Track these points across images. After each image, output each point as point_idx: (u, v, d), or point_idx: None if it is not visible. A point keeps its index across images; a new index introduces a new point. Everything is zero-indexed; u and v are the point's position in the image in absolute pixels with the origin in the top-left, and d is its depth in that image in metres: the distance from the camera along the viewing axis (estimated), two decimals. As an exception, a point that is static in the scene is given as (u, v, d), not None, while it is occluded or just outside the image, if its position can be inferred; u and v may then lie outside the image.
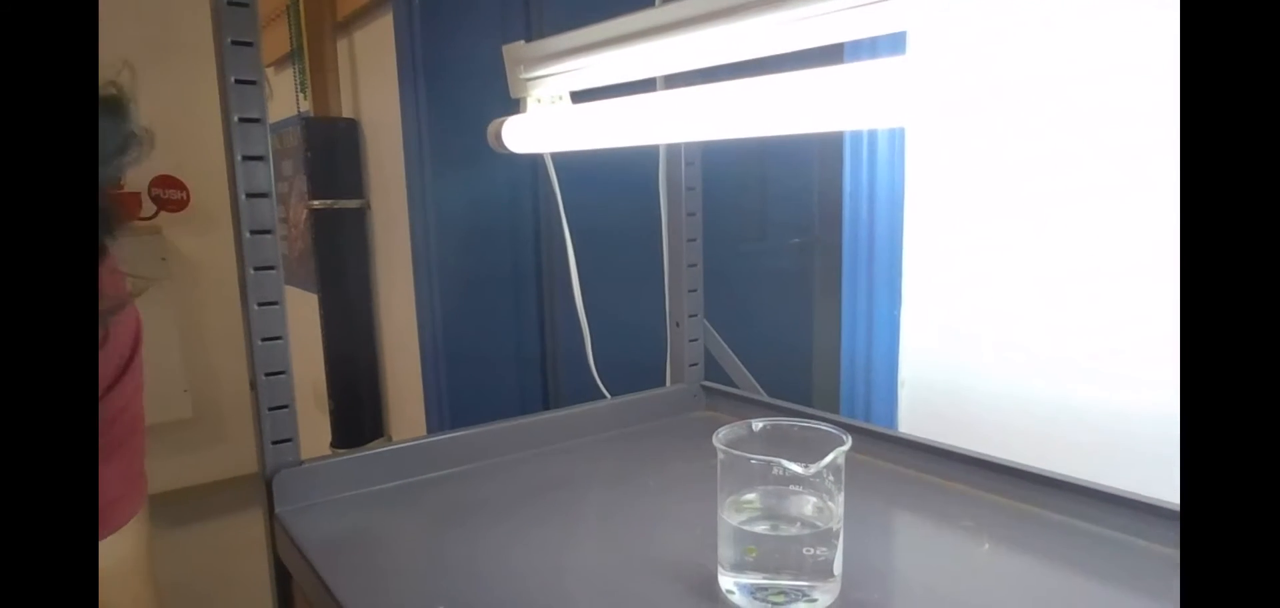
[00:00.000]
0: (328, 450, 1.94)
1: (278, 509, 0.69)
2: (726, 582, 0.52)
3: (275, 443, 0.70)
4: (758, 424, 0.55)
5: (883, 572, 0.58)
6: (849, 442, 0.51)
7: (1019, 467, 0.67)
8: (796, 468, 0.49)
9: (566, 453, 0.84)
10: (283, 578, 0.70)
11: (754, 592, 0.51)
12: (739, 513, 0.53)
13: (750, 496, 0.53)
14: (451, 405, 1.84)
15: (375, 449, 0.76)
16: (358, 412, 2.12)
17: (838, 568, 0.51)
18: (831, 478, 0.51)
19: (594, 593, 0.53)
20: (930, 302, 0.91)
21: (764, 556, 0.51)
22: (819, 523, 0.51)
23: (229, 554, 2.45)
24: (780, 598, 0.50)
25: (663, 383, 1.00)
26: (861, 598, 0.52)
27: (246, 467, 1.99)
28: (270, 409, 0.69)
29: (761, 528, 0.52)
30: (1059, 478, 0.64)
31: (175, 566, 2.54)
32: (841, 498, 0.51)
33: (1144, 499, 0.59)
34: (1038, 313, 0.81)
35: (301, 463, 0.71)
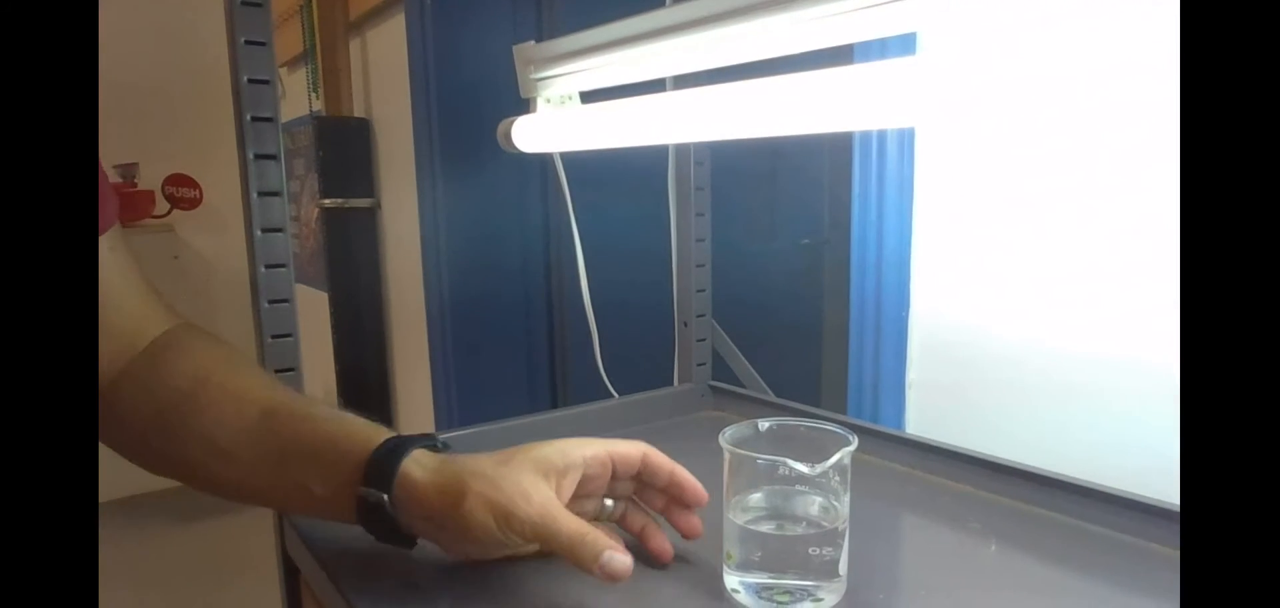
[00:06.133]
0: (337, 448, 1.95)
1: (287, 505, 0.70)
2: (732, 581, 0.53)
3: (285, 439, 0.70)
4: (764, 424, 0.55)
5: (888, 572, 0.58)
6: (855, 442, 0.51)
7: (1026, 468, 0.67)
8: (802, 468, 0.49)
9: (574, 452, 0.84)
10: (291, 575, 0.70)
11: (759, 591, 0.51)
12: (745, 513, 0.53)
13: (756, 495, 0.53)
14: (460, 404, 1.84)
15: (384, 446, 0.76)
16: (367, 410, 2.12)
17: (843, 568, 0.52)
18: (837, 478, 0.51)
19: (599, 591, 0.54)
20: (938, 303, 0.91)
21: (769, 555, 0.51)
22: (825, 523, 0.51)
23: (238, 551, 2.47)
24: (785, 598, 0.50)
25: (670, 382, 1.00)
26: (867, 598, 0.52)
27: (257, 463, 1.99)
28: (280, 405, 0.69)
29: (767, 528, 0.52)
30: (1066, 480, 0.64)
31: (186, 561, 2.56)
32: (847, 498, 0.51)
33: (1151, 502, 0.59)
34: (1047, 315, 0.81)
35: (311, 459, 0.71)
